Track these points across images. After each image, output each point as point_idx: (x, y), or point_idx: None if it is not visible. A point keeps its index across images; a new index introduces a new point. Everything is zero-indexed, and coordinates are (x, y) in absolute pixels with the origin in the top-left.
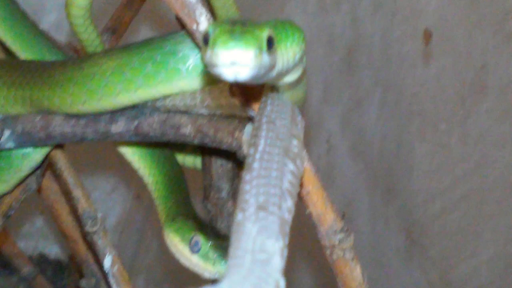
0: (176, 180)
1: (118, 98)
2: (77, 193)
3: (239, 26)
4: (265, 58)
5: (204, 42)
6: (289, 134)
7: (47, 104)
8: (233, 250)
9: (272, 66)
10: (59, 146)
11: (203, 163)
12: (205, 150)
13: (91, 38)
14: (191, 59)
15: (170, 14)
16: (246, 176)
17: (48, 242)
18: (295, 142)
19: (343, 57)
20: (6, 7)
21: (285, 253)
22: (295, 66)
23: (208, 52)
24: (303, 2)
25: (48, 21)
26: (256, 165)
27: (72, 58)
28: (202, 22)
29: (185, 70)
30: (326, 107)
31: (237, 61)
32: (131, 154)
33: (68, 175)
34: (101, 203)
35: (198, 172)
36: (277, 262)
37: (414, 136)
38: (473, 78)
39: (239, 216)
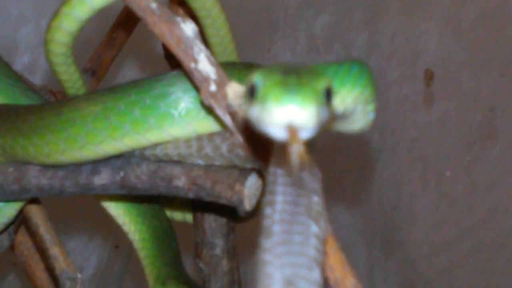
0: (165, 237)
1: (102, 147)
2: (54, 251)
3: (293, 76)
4: (324, 113)
5: (250, 94)
6: (308, 189)
7: (22, 153)
8: None
9: (329, 120)
10: (34, 199)
11: (195, 217)
12: (197, 203)
13: (72, 79)
14: (185, 103)
15: (156, 51)
16: (266, 242)
17: None
18: (316, 198)
19: None
20: None
21: None
22: (358, 112)
23: (257, 108)
24: (292, 42)
25: (21, 63)
26: (276, 228)
27: (50, 102)
28: (201, 60)
29: (177, 115)
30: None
31: (294, 120)
32: (115, 208)
33: (45, 231)
34: (77, 253)
35: (189, 225)
36: None
37: (416, 184)
38: (480, 122)
39: None
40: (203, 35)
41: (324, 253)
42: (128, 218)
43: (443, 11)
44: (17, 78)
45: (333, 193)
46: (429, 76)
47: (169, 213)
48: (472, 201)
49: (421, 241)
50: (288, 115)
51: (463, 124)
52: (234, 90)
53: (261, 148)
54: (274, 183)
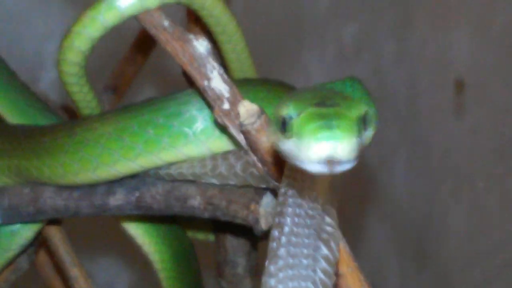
0: (186, 258)
1: (115, 167)
2: (74, 272)
3: (329, 106)
4: (363, 141)
5: (282, 127)
6: (320, 210)
7: (36, 174)
8: None
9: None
10: (54, 220)
11: (216, 236)
12: (218, 222)
13: (86, 99)
14: (199, 121)
15: (178, 69)
16: (270, 266)
17: None
18: (327, 219)
19: None
20: None
21: None
22: None
23: (291, 141)
24: (321, 51)
25: (48, 79)
26: (282, 252)
27: (63, 123)
28: (214, 77)
29: (192, 134)
30: None
31: (335, 156)
32: (134, 228)
33: (64, 252)
34: (108, 270)
35: (211, 244)
36: None
37: (448, 196)
38: None
39: None
40: (219, 52)
41: (334, 276)
42: (148, 238)
43: (473, 18)
44: (35, 98)
45: (365, 205)
46: (459, 85)
47: (192, 232)
48: (505, 212)
49: (454, 253)
50: (328, 151)
51: (495, 134)
52: (247, 108)
53: (274, 167)
54: (284, 204)
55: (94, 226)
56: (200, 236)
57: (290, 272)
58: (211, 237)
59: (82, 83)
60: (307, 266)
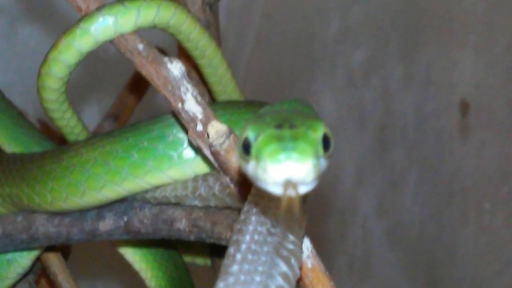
0: (182, 283)
1: (102, 192)
2: None
3: (286, 127)
4: (323, 162)
5: (244, 150)
6: (284, 228)
7: (27, 202)
8: None
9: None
10: (52, 248)
11: (212, 260)
12: (214, 246)
13: (70, 125)
14: (183, 144)
15: None
16: (220, 284)
17: None
18: (291, 237)
19: (375, 135)
20: None
21: None
22: None
23: (252, 164)
24: (331, 78)
25: None
26: (234, 269)
27: (51, 149)
28: (188, 99)
29: (176, 156)
30: (359, 190)
31: (292, 177)
32: (131, 254)
33: (63, 280)
34: None
35: (208, 268)
36: None
37: (456, 218)
38: None
39: None
40: (201, 75)
41: None
42: (144, 264)
43: (476, 41)
44: (31, 127)
45: (374, 229)
46: (464, 107)
47: (190, 257)
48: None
49: (463, 275)
50: (285, 173)
51: (499, 154)
52: (216, 129)
53: (244, 187)
54: (245, 221)
55: (107, 253)
56: (199, 261)
57: None
58: (209, 261)
59: (63, 108)
60: (259, 283)
